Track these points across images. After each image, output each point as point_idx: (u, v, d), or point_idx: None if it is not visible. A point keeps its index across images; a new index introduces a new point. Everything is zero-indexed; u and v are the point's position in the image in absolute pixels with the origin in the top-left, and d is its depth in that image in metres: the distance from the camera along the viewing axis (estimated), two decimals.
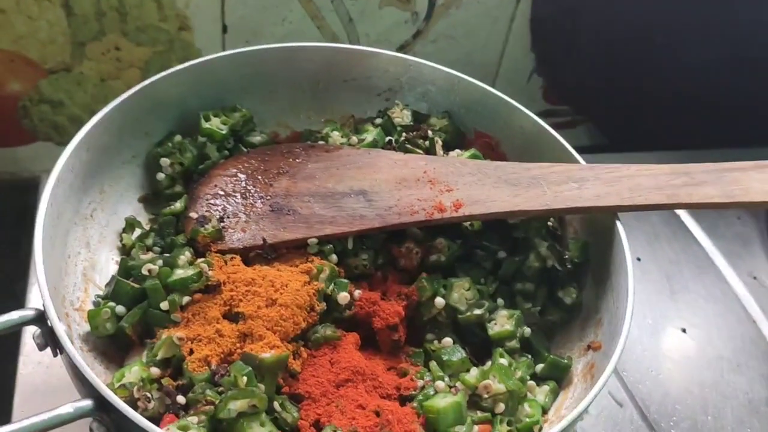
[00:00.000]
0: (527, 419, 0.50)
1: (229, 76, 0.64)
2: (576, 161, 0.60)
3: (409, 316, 0.55)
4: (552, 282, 0.58)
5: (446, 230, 0.58)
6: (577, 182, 0.56)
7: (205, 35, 0.80)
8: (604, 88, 1.00)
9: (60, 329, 0.42)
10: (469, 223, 0.59)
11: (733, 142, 0.85)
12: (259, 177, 0.59)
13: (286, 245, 0.55)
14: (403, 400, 0.51)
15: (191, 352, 0.48)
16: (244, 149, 0.63)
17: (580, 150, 0.61)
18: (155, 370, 0.46)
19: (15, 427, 0.38)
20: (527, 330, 0.56)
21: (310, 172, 0.59)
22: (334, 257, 0.55)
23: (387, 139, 0.63)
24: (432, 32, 0.89)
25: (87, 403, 0.40)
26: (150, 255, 0.54)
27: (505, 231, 0.60)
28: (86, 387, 0.41)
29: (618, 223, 0.56)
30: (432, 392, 0.50)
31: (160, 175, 0.60)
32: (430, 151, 0.62)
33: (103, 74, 0.80)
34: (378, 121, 0.65)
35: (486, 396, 0.50)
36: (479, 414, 0.49)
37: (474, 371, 0.51)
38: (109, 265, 0.56)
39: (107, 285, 0.53)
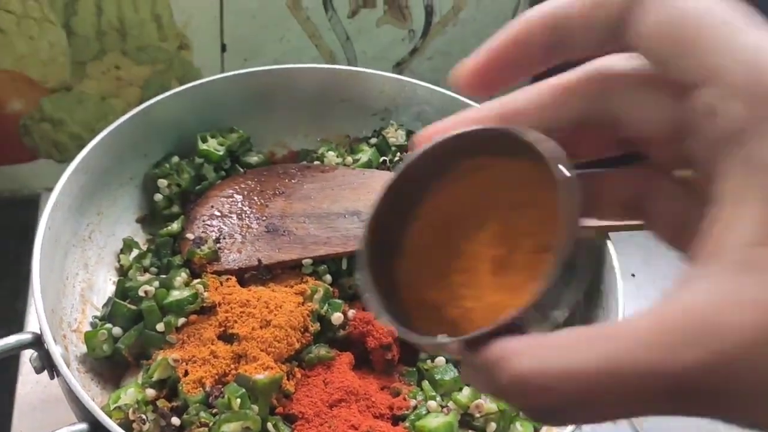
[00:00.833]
0: None
1: (226, 97, 0.65)
2: None
3: None
4: None
5: None
6: None
7: (204, 54, 0.82)
8: None
9: (56, 353, 0.42)
10: None
11: None
12: (255, 198, 0.60)
13: (281, 266, 0.55)
14: (396, 420, 0.51)
15: (186, 373, 0.48)
16: (241, 170, 0.63)
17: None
18: (151, 392, 0.47)
19: None
20: None
21: (305, 193, 0.60)
22: (328, 277, 0.55)
23: (381, 159, 0.64)
24: (429, 49, 0.90)
25: (82, 426, 0.41)
26: (147, 276, 0.55)
27: None
28: (82, 411, 0.41)
29: (608, 242, 0.56)
30: (424, 412, 0.50)
31: (158, 196, 0.61)
32: None
33: (104, 93, 0.81)
34: (373, 140, 0.66)
35: (478, 415, 0.50)
36: None
37: (466, 390, 0.52)
38: (106, 285, 0.57)
39: (104, 306, 0.54)
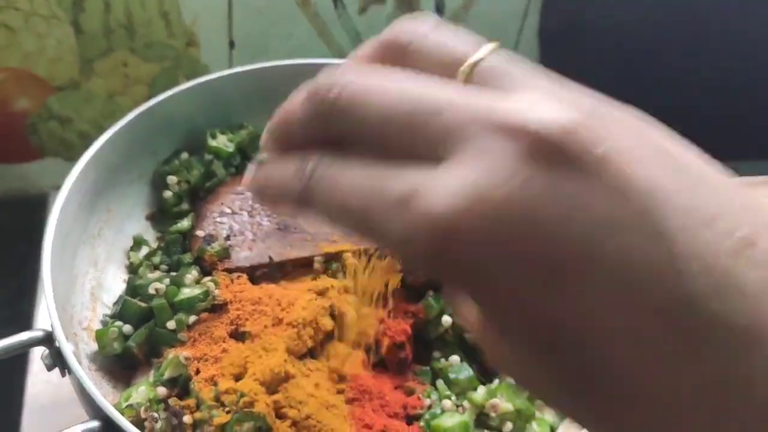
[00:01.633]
0: None
1: (235, 93, 0.64)
2: None
3: (416, 333, 0.55)
4: None
5: None
6: None
7: (212, 51, 0.81)
8: (614, 99, 1.00)
9: (68, 351, 0.42)
10: None
11: (750, 154, 0.85)
12: None
13: (293, 263, 0.55)
14: (410, 419, 0.50)
15: (198, 371, 0.48)
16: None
17: None
18: (162, 390, 0.46)
19: None
20: None
21: None
22: (341, 275, 0.55)
23: None
24: None
25: (95, 424, 0.40)
26: (157, 274, 0.54)
27: None
28: (93, 408, 0.41)
29: None
30: (439, 411, 0.50)
31: (167, 193, 0.60)
32: None
33: (111, 90, 0.81)
34: None
35: (494, 415, 0.50)
36: None
37: (481, 390, 0.51)
38: (116, 283, 0.56)
39: (115, 304, 0.53)
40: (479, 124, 0.21)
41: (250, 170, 0.27)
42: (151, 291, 0.51)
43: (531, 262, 0.20)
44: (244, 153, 0.64)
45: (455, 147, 0.21)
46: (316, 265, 0.55)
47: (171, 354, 0.48)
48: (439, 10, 0.85)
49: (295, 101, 0.27)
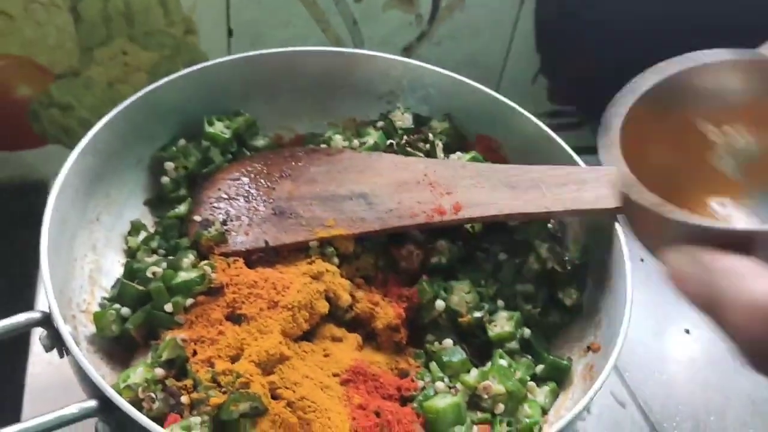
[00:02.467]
0: (527, 420, 0.51)
1: (232, 80, 0.65)
2: (576, 163, 0.60)
3: (410, 317, 0.56)
4: (552, 283, 0.59)
5: (447, 232, 0.59)
6: (577, 184, 0.56)
7: (210, 39, 0.81)
8: (610, 88, 1.00)
9: (65, 331, 0.43)
10: (470, 225, 0.60)
11: None
12: (262, 180, 0.60)
13: (288, 248, 0.55)
14: (404, 401, 0.51)
15: (195, 353, 0.48)
16: (248, 153, 0.63)
17: (587, 150, 0.61)
18: (159, 371, 0.47)
19: (22, 427, 0.39)
20: (527, 331, 0.56)
21: (311, 176, 0.60)
22: (335, 260, 0.55)
23: (388, 142, 0.64)
24: (436, 34, 0.90)
25: (92, 403, 0.41)
26: (154, 258, 0.55)
27: (505, 233, 0.60)
28: (91, 388, 0.42)
29: (617, 226, 0.56)
30: (432, 393, 0.50)
31: (165, 179, 0.61)
32: (430, 154, 0.62)
33: (111, 78, 0.81)
34: (379, 124, 0.66)
35: (486, 397, 0.50)
36: (479, 414, 0.50)
37: (474, 372, 0.52)
38: (114, 267, 0.57)
39: (113, 287, 0.54)
40: None
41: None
42: (149, 274, 0.52)
43: None
44: (241, 139, 0.64)
45: None
46: (311, 250, 0.55)
47: (168, 336, 0.49)
48: None
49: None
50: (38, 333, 0.46)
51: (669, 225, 0.32)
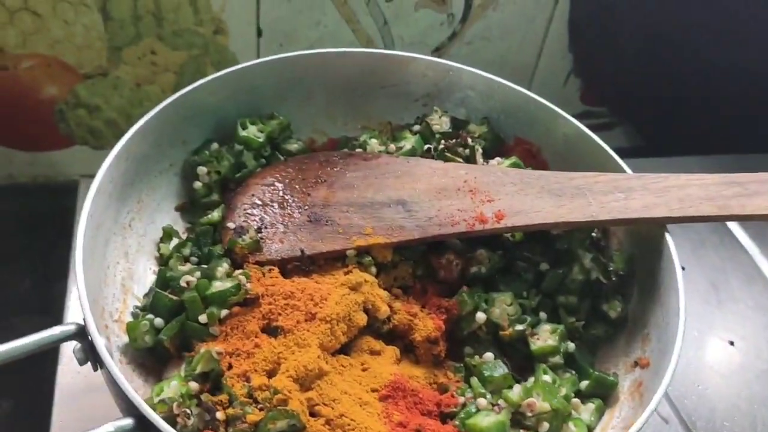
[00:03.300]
0: None
1: (265, 82, 0.63)
2: (621, 169, 0.58)
3: (449, 329, 0.54)
4: (596, 295, 0.56)
5: (487, 241, 0.57)
6: (623, 192, 0.54)
7: (240, 39, 0.80)
8: (643, 89, 0.97)
9: (101, 345, 0.41)
10: (510, 233, 0.58)
11: None
12: (297, 186, 0.58)
13: (325, 256, 0.54)
14: (444, 417, 0.49)
15: (230, 366, 0.47)
16: (281, 157, 0.62)
17: (618, 152, 0.59)
18: (194, 385, 0.46)
19: None
20: (571, 345, 0.54)
21: (348, 182, 0.58)
22: (373, 269, 0.54)
23: (426, 146, 0.62)
24: (468, 34, 0.88)
25: (128, 422, 0.40)
26: (188, 266, 0.53)
27: (547, 242, 0.58)
28: (126, 404, 0.40)
29: (667, 235, 0.54)
30: (474, 410, 0.49)
31: (197, 184, 0.59)
32: (470, 159, 0.60)
33: (139, 78, 0.80)
34: (416, 128, 0.64)
35: (530, 414, 0.48)
36: None
37: (517, 388, 0.50)
38: (147, 275, 0.55)
39: (145, 296, 0.53)
40: None
41: None
42: (183, 284, 0.51)
43: None
44: (274, 143, 0.63)
45: None
46: (348, 259, 0.54)
47: (203, 348, 0.48)
48: None
49: None
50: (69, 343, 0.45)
51: None
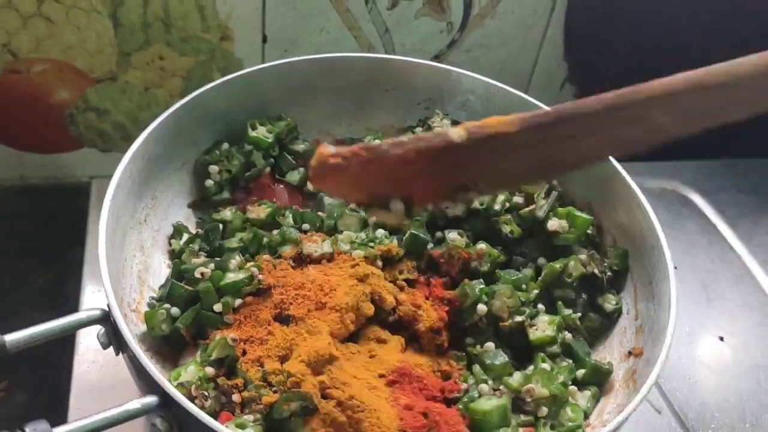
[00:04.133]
0: (570, 423, 0.51)
1: (272, 86, 0.66)
2: (620, 174, 0.61)
3: (452, 320, 0.56)
4: (592, 289, 0.59)
5: (487, 237, 0.59)
6: None
7: (245, 45, 0.82)
8: None
9: (125, 328, 0.44)
10: (509, 230, 0.60)
11: None
12: None
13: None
14: (448, 403, 0.52)
15: (244, 352, 0.49)
16: (289, 157, 0.64)
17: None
18: (210, 370, 0.48)
19: (88, 421, 0.40)
20: (568, 335, 0.56)
21: None
22: (379, 262, 0.56)
23: None
24: (466, 42, 0.90)
25: (152, 399, 0.42)
26: (202, 258, 0.56)
27: (544, 239, 0.60)
28: (150, 384, 0.42)
29: (659, 231, 0.56)
30: (476, 395, 0.51)
31: (209, 182, 0.62)
32: None
33: (148, 83, 0.82)
34: (418, 130, 0.67)
35: (529, 399, 0.51)
36: (522, 417, 0.50)
37: (517, 375, 0.52)
38: (161, 268, 0.58)
39: (161, 287, 0.55)
40: None
41: None
42: (197, 275, 0.53)
43: None
44: (282, 143, 0.65)
45: None
46: (356, 252, 0.56)
47: (218, 335, 0.50)
48: (468, 6, 0.86)
49: None
50: (84, 332, 0.47)
51: None
